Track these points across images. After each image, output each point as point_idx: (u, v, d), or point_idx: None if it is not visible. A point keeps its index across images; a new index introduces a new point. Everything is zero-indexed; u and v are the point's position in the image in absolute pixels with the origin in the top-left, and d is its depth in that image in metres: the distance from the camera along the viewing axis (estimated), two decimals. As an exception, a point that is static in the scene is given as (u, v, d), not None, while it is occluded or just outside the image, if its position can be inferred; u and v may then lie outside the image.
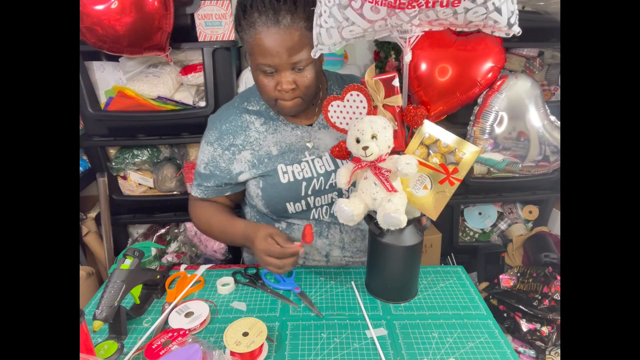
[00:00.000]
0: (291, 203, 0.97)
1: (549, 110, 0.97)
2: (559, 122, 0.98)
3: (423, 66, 0.87)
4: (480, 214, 1.82)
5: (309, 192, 0.96)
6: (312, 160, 0.97)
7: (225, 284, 0.91)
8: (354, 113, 0.80)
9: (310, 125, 0.98)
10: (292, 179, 0.96)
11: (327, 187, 0.97)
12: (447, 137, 0.80)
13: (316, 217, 1.00)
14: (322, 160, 0.97)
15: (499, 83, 0.93)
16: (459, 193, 1.65)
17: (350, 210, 0.78)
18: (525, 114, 0.94)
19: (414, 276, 0.89)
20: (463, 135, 0.85)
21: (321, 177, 0.96)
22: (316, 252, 1.03)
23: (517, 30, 0.75)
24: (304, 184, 0.96)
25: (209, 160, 0.99)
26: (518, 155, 0.95)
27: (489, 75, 0.88)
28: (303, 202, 0.97)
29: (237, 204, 1.11)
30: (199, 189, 1.03)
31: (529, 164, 0.97)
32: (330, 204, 0.99)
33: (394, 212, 0.73)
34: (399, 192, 0.79)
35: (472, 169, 1.66)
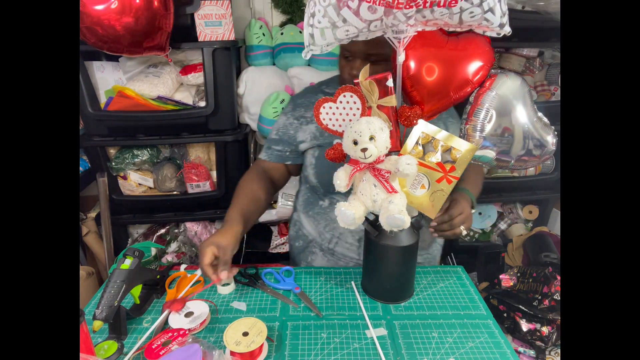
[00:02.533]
0: None
1: (535, 107, 1.00)
2: (547, 119, 1.00)
3: (416, 66, 0.88)
4: (480, 214, 1.82)
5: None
6: None
7: (226, 284, 0.91)
8: (347, 114, 0.80)
9: None
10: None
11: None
12: (443, 136, 0.80)
13: None
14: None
15: (490, 81, 0.94)
16: (459, 193, 1.65)
17: (351, 213, 0.78)
18: (514, 111, 0.96)
19: (410, 276, 0.89)
20: (456, 134, 0.85)
21: None
22: (350, 235, 1.06)
23: (507, 30, 0.77)
24: None
25: (280, 127, 1.10)
26: (501, 150, 0.96)
27: (480, 74, 0.89)
28: None
29: (294, 176, 1.19)
30: (266, 152, 1.11)
31: (505, 158, 0.98)
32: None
33: (398, 214, 0.73)
34: (399, 192, 0.79)
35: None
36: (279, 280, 0.94)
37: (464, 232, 0.91)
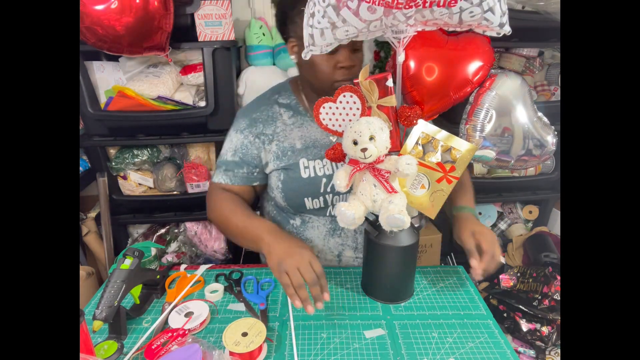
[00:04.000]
0: (309, 199, 0.97)
1: (535, 107, 1.00)
2: (547, 119, 1.00)
3: (416, 66, 0.88)
4: (480, 214, 1.82)
5: (328, 190, 0.96)
6: None
7: (214, 291, 0.90)
8: (347, 115, 0.80)
9: None
10: (312, 175, 0.96)
11: None
12: (443, 136, 0.80)
13: (333, 214, 1.00)
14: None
15: (490, 81, 0.94)
16: (459, 193, 1.65)
17: (351, 213, 0.78)
18: (514, 111, 0.96)
19: (410, 276, 0.89)
20: (456, 133, 0.85)
21: None
22: (328, 252, 1.03)
23: (507, 29, 0.77)
24: (324, 180, 0.96)
25: (237, 147, 0.99)
26: (501, 150, 0.96)
27: (480, 73, 0.89)
28: (321, 198, 0.97)
29: (258, 195, 1.08)
30: (226, 175, 1.00)
31: (505, 158, 0.98)
32: None
33: (398, 214, 0.73)
34: (399, 192, 0.79)
35: (472, 168, 1.66)
36: (254, 291, 0.91)
37: (502, 259, 0.88)
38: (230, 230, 0.95)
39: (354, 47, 0.89)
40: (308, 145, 0.97)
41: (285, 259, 0.77)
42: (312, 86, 0.96)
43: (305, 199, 0.97)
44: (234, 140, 1.00)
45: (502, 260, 0.88)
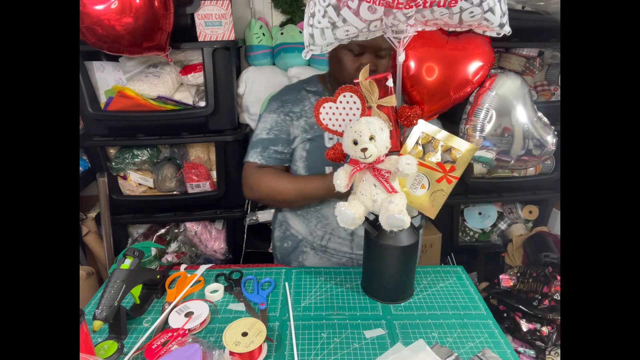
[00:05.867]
0: (331, 167, 1.02)
1: (535, 107, 1.00)
2: (547, 119, 1.00)
3: (416, 66, 0.88)
4: (480, 214, 1.82)
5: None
6: None
7: (214, 291, 0.90)
8: (347, 115, 0.80)
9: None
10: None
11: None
12: (443, 136, 0.80)
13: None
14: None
15: (490, 81, 0.94)
16: (459, 193, 1.65)
17: (352, 213, 0.78)
18: (514, 111, 0.96)
19: (410, 276, 0.89)
20: (456, 133, 0.85)
21: None
22: (341, 230, 1.06)
23: (507, 30, 0.77)
24: None
25: (272, 125, 1.06)
26: (501, 150, 0.96)
27: (480, 73, 0.89)
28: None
29: None
30: (262, 156, 1.06)
31: (505, 158, 0.98)
32: None
33: (398, 214, 0.73)
34: (399, 192, 0.79)
35: (472, 168, 1.66)
36: (255, 291, 0.91)
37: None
38: (286, 195, 1.03)
39: (379, 53, 0.94)
40: None
41: None
42: (338, 80, 1.01)
43: (327, 168, 1.02)
44: (268, 120, 1.07)
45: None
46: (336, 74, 1.02)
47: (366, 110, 0.79)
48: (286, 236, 1.15)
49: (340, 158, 0.84)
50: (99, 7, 1.16)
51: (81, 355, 0.58)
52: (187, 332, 0.74)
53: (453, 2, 0.70)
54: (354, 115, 0.80)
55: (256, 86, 1.58)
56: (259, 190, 1.06)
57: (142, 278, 0.84)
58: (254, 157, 1.07)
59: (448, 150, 0.80)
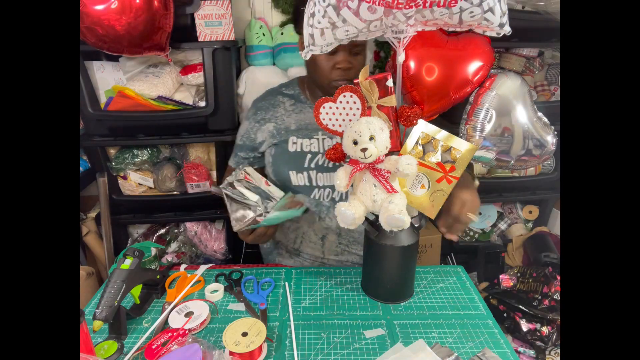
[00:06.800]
0: (294, 172, 1.03)
1: (535, 107, 1.00)
2: (547, 119, 1.00)
3: (416, 66, 0.88)
4: (480, 213, 1.82)
5: (312, 166, 1.02)
6: (323, 139, 1.04)
7: (214, 291, 0.90)
8: (347, 115, 0.80)
9: None
10: (298, 150, 1.03)
11: (330, 165, 1.02)
12: (443, 136, 0.80)
13: (317, 197, 1.04)
14: (333, 142, 1.03)
15: (490, 81, 0.94)
16: (459, 193, 1.65)
17: (351, 213, 0.78)
18: (514, 111, 0.96)
19: (410, 276, 0.89)
20: (456, 133, 0.85)
21: None
22: (313, 234, 1.08)
23: (507, 30, 0.77)
24: (309, 156, 1.03)
25: (243, 132, 1.13)
26: (501, 150, 0.96)
27: (480, 73, 0.89)
28: (305, 173, 1.03)
29: None
30: (234, 159, 1.16)
31: (505, 158, 0.98)
32: (332, 187, 1.04)
33: (398, 214, 0.73)
34: (399, 192, 0.79)
35: (472, 169, 1.66)
36: (255, 291, 0.92)
37: (474, 218, 0.85)
38: None
39: (353, 50, 0.95)
40: (301, 127, 1.06)
41: None
42: (315, 82, 1.05)
43: (290, 172, 1.04)
44: (243, 127, 1.14)
45: (473, 217, 0.84)
46: (312, 74, 1.03)
47: (366, 110, 0.79)
48: None
49: (340, 158, 0.84)
50: (99, 7, 1.16)
51: (81, 355, 0.58)
52: (187, 332, 0.74)
53: (453, 2, 0.70)
54: (354, 115, 0.80)
55: (256, 86, 1.58)
56: None
57: (142, 278, 0.84)
58: (230, 160, 1.18)
59: (448, 150, 0.80)
